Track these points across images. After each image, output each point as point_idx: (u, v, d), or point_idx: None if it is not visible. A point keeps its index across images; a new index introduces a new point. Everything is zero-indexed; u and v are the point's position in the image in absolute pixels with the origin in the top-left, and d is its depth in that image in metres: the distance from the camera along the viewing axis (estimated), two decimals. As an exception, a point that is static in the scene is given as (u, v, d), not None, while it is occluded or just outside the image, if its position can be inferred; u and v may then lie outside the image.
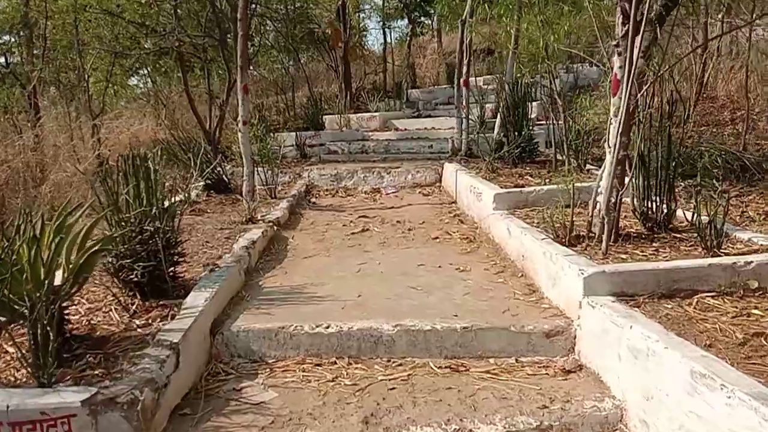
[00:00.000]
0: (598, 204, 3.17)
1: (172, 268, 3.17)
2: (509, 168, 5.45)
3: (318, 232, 4.73)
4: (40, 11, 7.71)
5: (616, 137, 2.99)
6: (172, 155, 6.30)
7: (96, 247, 2.60)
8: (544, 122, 6.97)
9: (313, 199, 6.17)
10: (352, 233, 4.64)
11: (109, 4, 7.20)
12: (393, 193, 6.22)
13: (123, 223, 3.00)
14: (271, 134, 7.97)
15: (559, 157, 5.37)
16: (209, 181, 6.25)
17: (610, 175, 3.02)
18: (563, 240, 3.12)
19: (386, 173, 6.47)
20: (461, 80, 6.13)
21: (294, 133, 8.61)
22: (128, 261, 2.96)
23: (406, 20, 14.75)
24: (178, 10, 7.39)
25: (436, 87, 13.21)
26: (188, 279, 3.29)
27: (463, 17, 5.97)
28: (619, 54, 2.99)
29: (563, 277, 2.73)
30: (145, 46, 7.89)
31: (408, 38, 12.50)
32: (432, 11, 15.26)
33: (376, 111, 10.49)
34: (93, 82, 10.65)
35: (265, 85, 13.59)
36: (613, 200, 3.04)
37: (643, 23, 2.73)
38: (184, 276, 3.32)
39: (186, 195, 5.67)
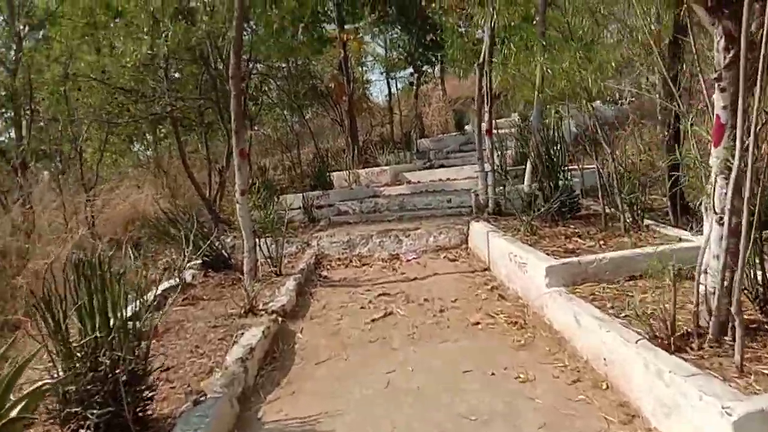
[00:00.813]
0: (703, 287, 2.33)
1: (141, 407, 2.34)
2: (549, 227, 4.61)
3: (331, 321, 3.89)
4: (26, 84, 7.14)
5: (728, 201, 2.17)
6: (163, 233, 5.55)
7: (13, 413, 1.79)
8: (575, 167, 6.19)
9: (324, 272, 5.34)
10: (373, 320, 3.79)
11: (97, 72, 6.60)
12: (414, 259, 5.40)
13: (69, 357, 2.20)
14: (276, 198, 7.25)
15: (606, 209, 4.55)
16: (207, 258, 5.46)
17: (724, 250, 2.18)
18: (665, 341, 2.26)
19: (405, 236, 5.66)
20: (484, 129, 5.36)
21: (301, 195, 7.87)
22: (78, 408, 2.14)
23: (410, 69, 14.23)
24: (170, 74, 6.78)
25: (445, 135, 12.55)
26: (165, 416, 2.45)
27: (480, 60, 5.27)
28: (723, 90, 2.19)
29: (688, 409, 1.87)
30: (136, 112, 7.24)
31: (415, 87, 11.90)
32: (434, 59, 14.80)
33: (386, 164, 9.78)
34: (90, 152, 10.07)
35: (269, 145, 13.01)
36: (727, 283, 2.20)
37: (764, 44, 1.95)
38: (160, 411, 2.48)
39: (178, 279, 4.89)
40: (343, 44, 11.43)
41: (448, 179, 8.86)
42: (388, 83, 13.12)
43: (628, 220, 4.12)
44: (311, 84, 11.90)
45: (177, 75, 8.79)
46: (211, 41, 6.91)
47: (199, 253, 5.39)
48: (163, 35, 5.73)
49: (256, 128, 10.86)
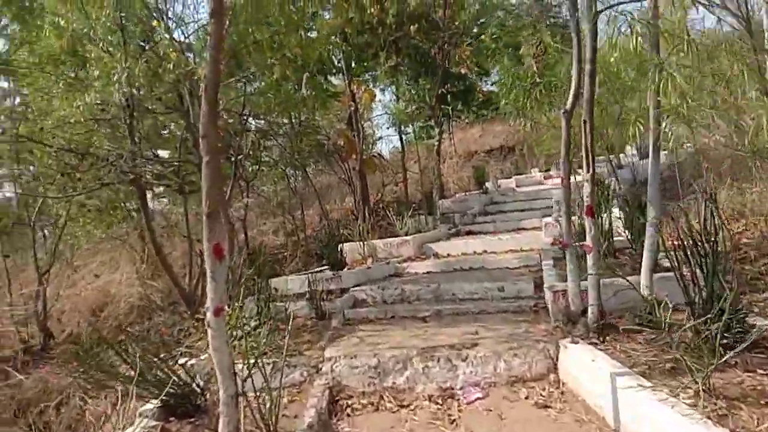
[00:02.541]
0: None
1: None
2: (718, 370, 2.67)
3: None
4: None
5: None
6: (101, 370, 3.59)
7: None
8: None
9: (344, 425, 3.36)
10: None
11: (36, 131, 4.81)
12: (478, 399, 3.44)
13: None
14: (274, 291, 5.33)
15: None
16: (168, 399, 3.51)
17: None
18: None
19: (460, 359, 3.70)
20: (586, 207, 3.42)
21: (305, 278, 5.93)
22: None
23: (419, 122, 12.54)
24: (137, 130, 4.96)
25: (467, 194, 10.74)
26: None
27: (567, 106, 3.46)
28: None
29: None
30: (85, 179, 5.37)
31: (437, 143, 10.11)
32: (449, 111, 13.20)
33: (406, 234, 7.91)
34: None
35: (269, 207, 11.20)
36: None
37: None
38: None
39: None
40: (353, 96, 9.78)
41: (485, 252, 7.01)
42: (400, 137, 11.38)
43: None
44: (317, 140, 10.17)
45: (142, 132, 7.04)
46: (191, 87, 5.14)
47: (162, 394, 3.46)
48: (116, 78, 3.94)
49: (253, 192, 9.02)
